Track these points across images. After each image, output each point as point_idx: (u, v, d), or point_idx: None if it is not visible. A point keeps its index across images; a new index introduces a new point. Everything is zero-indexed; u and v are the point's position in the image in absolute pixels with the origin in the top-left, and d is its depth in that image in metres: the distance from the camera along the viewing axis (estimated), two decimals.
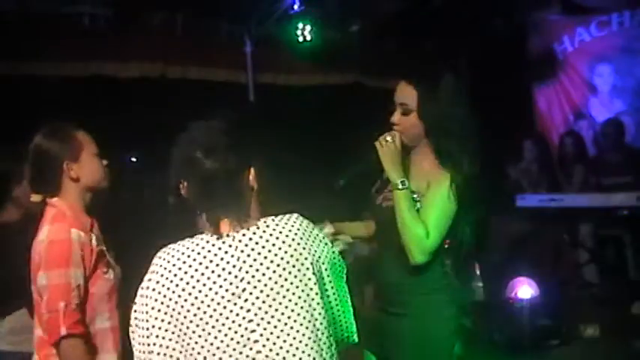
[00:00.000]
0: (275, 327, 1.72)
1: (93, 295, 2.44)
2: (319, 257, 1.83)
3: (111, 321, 2.49)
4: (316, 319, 1.77)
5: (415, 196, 2.55)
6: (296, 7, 6.03)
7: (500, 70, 7.31)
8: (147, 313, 1.73)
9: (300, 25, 6.21)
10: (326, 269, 1.84)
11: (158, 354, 1.71)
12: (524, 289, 5.42)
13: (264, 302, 1.72)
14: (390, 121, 2.62)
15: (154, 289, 1.74)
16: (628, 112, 7.63)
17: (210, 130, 1.82)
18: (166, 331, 1.71)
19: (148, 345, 1.73)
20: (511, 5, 7.63)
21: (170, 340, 1.71)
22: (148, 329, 1.73)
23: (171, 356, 1.71)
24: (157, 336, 1.72)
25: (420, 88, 2.56)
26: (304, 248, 1.80)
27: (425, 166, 2.62)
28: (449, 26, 6.79)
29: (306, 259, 1.79)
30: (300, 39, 6.28)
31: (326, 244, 1.89)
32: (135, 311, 1.78)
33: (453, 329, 2.62)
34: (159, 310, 1.72)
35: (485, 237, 5.75)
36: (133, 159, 6.97)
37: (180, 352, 1.70)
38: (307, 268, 1.78)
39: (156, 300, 1.73)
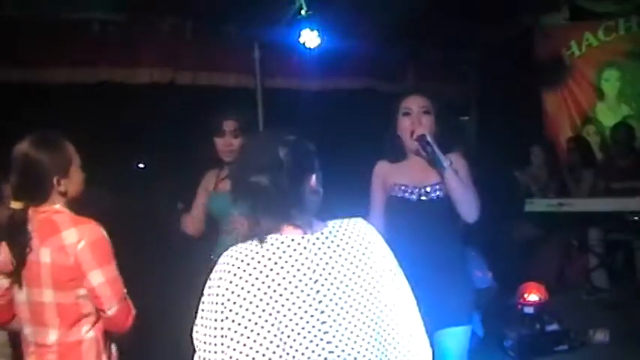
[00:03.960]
0: (346, 328, 1.77)
1: None
2: (387, 261, 1.91)
3: None
4: (381, 323, 1.84)
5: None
6: (303, 12, 6.03)
7: (508, 76, 7.33)
8: (216, 313, 1.75)
9: (309, 30, 6.22)
10: (393, 274, 1.91)
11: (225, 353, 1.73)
12: (533, 294, 5.41)
13: (336, 304, 1.78)
14: (413, 125, 3.19)
15: (226, 290, 1.75)
16: (635, 117, 7.63)
17: (262, 148, 1.88)
18: (235, 332, 1.72)
19: (215, 345, 1.74)
20: (519, 11, 7.64)
21: (239, 341, 1.72)
22: (216, 329, 1.74)
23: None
24: (226, 336, 1.73)
25: (430, 96, 3.29)
26: (373, 252, 1.89)
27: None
28: (457, 32, 6.80)
29: (375, 262, 1.87)
30: (308, 44, 6.29)
31: (388, 251, 1.95)
32: (202, 311, 1.79)
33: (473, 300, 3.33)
34: (230, 310, 1.73)
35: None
36: (141, 165, 6.99)
37: (251, 349, 1.71)
38: (377, 272, 1.86)
39: (228, 300, 1.74)
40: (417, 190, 3.24)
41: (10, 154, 2.54)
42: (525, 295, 5.43)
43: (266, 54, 6.45)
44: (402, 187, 3.26)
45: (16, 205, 2.51)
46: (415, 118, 3.20)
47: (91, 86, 5.53)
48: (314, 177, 1.90)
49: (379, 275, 1.86)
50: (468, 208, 3.12)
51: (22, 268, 2.50)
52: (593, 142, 7.65)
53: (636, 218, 5.89)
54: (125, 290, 2.56)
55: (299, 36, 6.18)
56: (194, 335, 1.80)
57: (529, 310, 5.36)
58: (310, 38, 6.18)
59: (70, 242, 2.44)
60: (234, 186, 1.92)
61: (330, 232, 1.87)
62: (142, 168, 6.96)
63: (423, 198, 3.22)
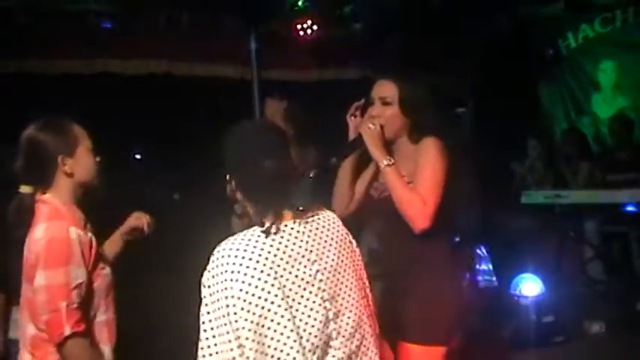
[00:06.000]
0: (341, 304, 1.90)
1: (94, 292, 2.40)
2: (354, 244, 2.07)
3: (107, 314, 2.46)
4: (361, 292, 2.00)
5: (406, 179, 2.65)
6: (300, 3, 6.02)
7: (504, 67, 7.31)
8: (222, 308, 1.73)
9: (305, 22, 6.21)
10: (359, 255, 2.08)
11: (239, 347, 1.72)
12: (530, 286, 5.42)
13: (332, 282, 1.89)
14: (370, 114, 2.77)
15: (228, 285, 1.73)
16: (630, 109, 7.63)
17: (267, 134, 1.96)
18: (245, 320, 1.72)
19: (230, 341, 1.72)
20: (515, 1, 7.63)
21: (249, 331, 1.72)
22: (226, 325, 1.72)
23: (250, 349, 1.71)
24: (237, 329, 1.71)
25: (399, 82, 2.79)
26: (344, 235, 2.01)
27: (409, 152, 2.74)
28: (453, 23, 6.79)
29: (349, 244, 2.02)
30: (305, 35, 6.28)
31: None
32: (206, 306, 1.76)
33: (455, 311, 2.73)
34: (234, 305, 1.72)
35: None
36: (138, 156, 6.99)
37: (256, 342, 1.72)
38: (351, 252, 2.02)
39: (232, 296, 1.72)
40: (379, 185, 2.84)
41: (6, 144, 2.51)
42: (521, 287, 5.45)
43: (262, 45, 6.43)
44: (376, 183, 2.87)
45: (24, 189, 2.43)
46: (376, 110, 2.77)
47: (87, 77, 5.53)
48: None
49: (354, 256, 2.03)
50: (405, 216, 2.57)
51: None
52: (588, 134, 7.66)
53: (632, 209, 5.89)
54: (65, 304, 2.23)
55: (295, 27, 6.17)
56: (205, 335, 1.76)
57: (525, 301, 5.37)
58: (306, 29, 6.18)
59: (36, 237, 2.31)
60: (239, 171, 1.91)
61: (315, 218, 1.95)
62: (139, 159, 6.97)
63: (381, 195, 2.79)
